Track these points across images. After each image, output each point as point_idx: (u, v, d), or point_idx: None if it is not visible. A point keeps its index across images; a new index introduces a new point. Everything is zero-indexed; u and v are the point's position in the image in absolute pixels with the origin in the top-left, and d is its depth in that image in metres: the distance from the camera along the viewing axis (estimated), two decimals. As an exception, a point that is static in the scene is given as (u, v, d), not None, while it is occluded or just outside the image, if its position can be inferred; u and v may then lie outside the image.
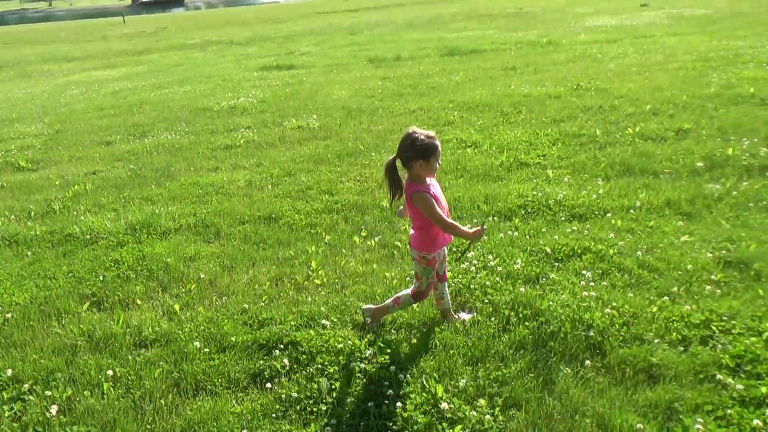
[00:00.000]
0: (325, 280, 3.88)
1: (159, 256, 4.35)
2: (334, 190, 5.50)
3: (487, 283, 3.61)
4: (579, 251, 3.92)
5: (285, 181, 5.88)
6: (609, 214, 4.45)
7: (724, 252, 3.78)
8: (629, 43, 13.25)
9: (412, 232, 3.04)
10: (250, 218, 4.97)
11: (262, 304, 3.62)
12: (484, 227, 2.91)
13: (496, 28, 18.60)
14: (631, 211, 4.50)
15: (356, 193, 5.38)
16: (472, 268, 3.79)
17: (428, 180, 2.89)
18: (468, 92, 9.12)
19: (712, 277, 3.52)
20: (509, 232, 4.28)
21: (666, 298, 3.34)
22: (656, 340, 3.01)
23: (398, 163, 2.91)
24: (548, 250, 3.94)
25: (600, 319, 3.16)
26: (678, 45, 12.27)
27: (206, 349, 3.18)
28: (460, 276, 3.72)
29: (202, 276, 4.02)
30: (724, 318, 3.11)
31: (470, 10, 26.71)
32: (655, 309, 3.23)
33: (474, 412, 2.60)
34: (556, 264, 3.81)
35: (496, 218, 4.59)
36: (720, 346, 2.92)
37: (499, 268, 3.76)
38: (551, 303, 3.32)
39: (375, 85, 10.43)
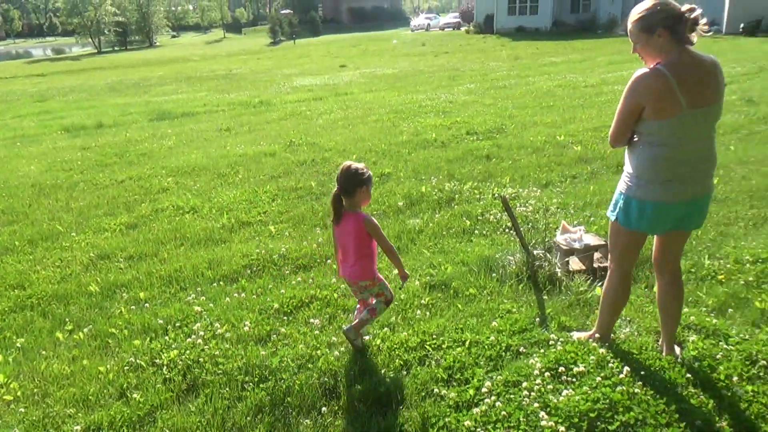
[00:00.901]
0: (19, 393, 3.20)
1: None
2: (27, 282, 4.66)
3: (217, 352, 3.42)
4: (306, 301, 4.01)
5: (-44, 281, 4.77)
6: (329, 260, 4.67)
7: (428, 277, 4.26)
8: (333, 100, 14.51)
9: (348, 266, 3.23)
10: None
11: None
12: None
13: (207, 90, 18.57)
14: (349, 253, 4.80)
15: (56, 281, 4.65)
16: (199, 341, 3.55)
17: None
18: (182, 156, 8.81)
19: (422, 301, 3.93)
20: (236, 295, 4.16)
21: (387, 329, 3.59)
22: (383, 371, 3.20)
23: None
24: (276, 305, 3.94)
25: (332, 363, 3.23)
26: (374, 100, 13.90)
27: None
28: (188, 351, 3.45)
29: None
30: (434, 336, 3.47)
31: (177, 73, 26.22)
32: (379, 341, 3.45)
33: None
34: (286, 318, 3.81)
35: (222, 282, 4.43)
36: (434, 362, 3.24)
37: (228, 334, 3.60)
38: (283, 358, 3.28)
39: (73, 157, 9.33)
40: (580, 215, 5.26)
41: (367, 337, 3.50)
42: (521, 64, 20.97)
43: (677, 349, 3.16)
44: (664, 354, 3.12)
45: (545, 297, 3.88)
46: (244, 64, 30.48)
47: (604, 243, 4.39)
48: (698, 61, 2.58)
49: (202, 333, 3.63)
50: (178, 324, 3.80)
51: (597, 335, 3.27)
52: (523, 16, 39.52)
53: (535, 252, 4.24)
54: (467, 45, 32.94)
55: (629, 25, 2.69)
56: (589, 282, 3.99)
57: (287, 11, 61.40)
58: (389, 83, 17.68)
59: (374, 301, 3.37)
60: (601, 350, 3.18)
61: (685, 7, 2.58)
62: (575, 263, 4.24)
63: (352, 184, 3.11)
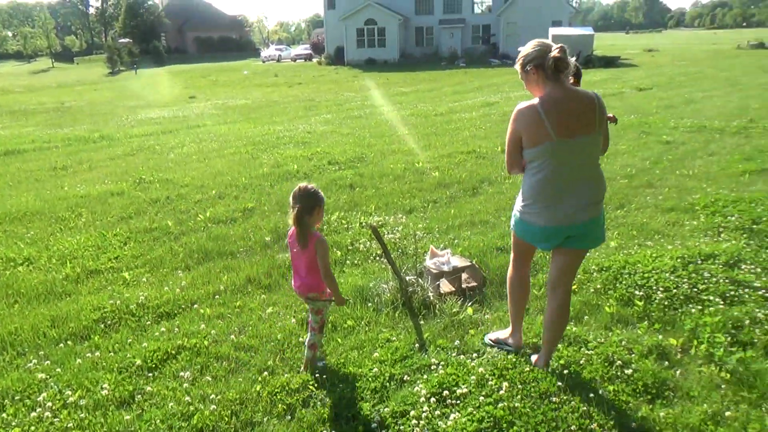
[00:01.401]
0: None
1: None
2: None
3: (71, 424, 2.98)
4: (173, 352, 3.67)
5: None
6: (196, 305, 4.36)
7: (303, 314, 4.13)
8: (185, 133, 13.82)
9: (300, 280, 3.27)
10: None
11: None
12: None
13: (35, 125, 16.72)
14: (217, 296, 4.52)
15: None
16: (47, 413, 3.07)
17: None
18: (9, 200, 7.77)
19: (301, 339, 3.79)
20: (88, 354, 3.69)
21: (266, 373, 3.40)
22: (266, 419, 3.01)
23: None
24: (139, 361, 3.55)
25: (209, 418, 2.98)
26: (229, 132, 13.47)
27: None
28: (33, 428, 2.96)
29: None
30: (317, 374, 3.35)
31: (-1, 107, 23.38)
32: (258, 387, 3.25)
33: None
34: (151, 374, 3.45)
35: (69, 342, 3.91)
36: (319, 402, 3.12)
37: (83, 401, 3.17)
38: (152, 421, 2.96)
39: None
40: (444, 238, 5.47)
41: (321, 364, 3.48)
42: (373, 94, 21.73)
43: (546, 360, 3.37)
44: (538, 365, 3.28)
45: (421, 322, 3.95)
46: (79, 96, 28.03)
47: (470, 263, 4.61)
48: (571, 96, 2.86)
49: (49, 404, 3.15)
50: (18, 397, 3.26)
51: (509, 331, 3.54)
52: (372, 49, 41.16)
53: (407, 278, 4.31)
54: (320, 76, 33.46)
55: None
56: (460, 303, 4.14)
57: (126, 40, 57.83)
58: (244, 114, 17.30)
59: (309, 336, 3.41)
60: (480, 369, 3.29)
61: (554, 48, 2.86)
62: (446, 285, 4.39)
63: (312, 203, 3.17)
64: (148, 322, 4.14)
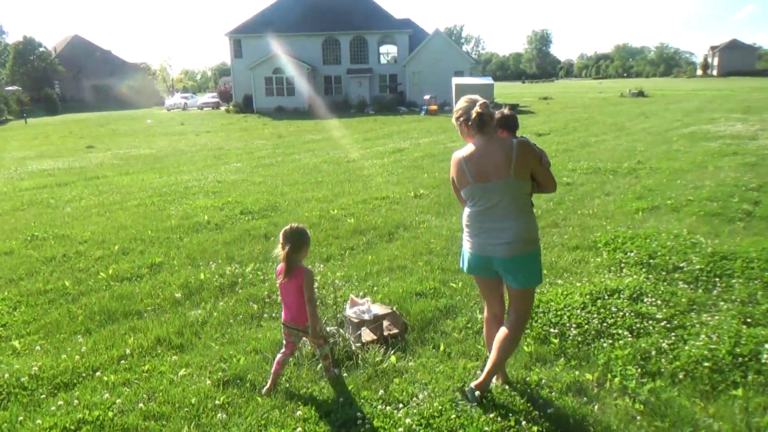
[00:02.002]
0: None
1: None
2: None
3: None
4: (73, 428, 3.32)
5: None
6: (99, 372, 3.99)
7: (221, 373, 3.90)
8: (83, 185, 13.03)
9: (292, 312, 3.63)
10: None
11: None
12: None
13: None
14: (123, 361, 4.17)
15: None
16: None
17: None
18: None
19: (217, 401, 3.56)
20: (-30, 439, 3.26)
21: (180, 443, 3.15)
22: (181, 496, 2.76)
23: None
24: (32, 442, 3.17)
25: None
26: (132, 183, 12.84)
27: None
28: None
29: None
30: (237, 441, 3.14)
31: None
32: (172, 461, 2.99)
33: None
34: (46, 456, 3.09)
35: (-54, 426, 3.43)
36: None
37: (-37, 497, 2.76)
38: None
39: None
40: (363, 285, 5.44)
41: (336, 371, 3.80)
42: (285, 141, 21.66)
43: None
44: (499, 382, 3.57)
45: (345, 374, 3.84)
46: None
47: (391, 310, 4.59)
48: (490, 146, 3.21)
49: None
50: None
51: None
52: (281, 97, 41.30)
53: (328, 329, 4.22)
54: (229, 124, 32.98)
55: None
56: (383, 351, 4.08)
57: (14, 87, 54.34)
58: (148, 164, 16.61)
59: (318, 351, 3.81)
60: (407, 420, 3.23)
61: (477, 104, 3.24)
62: (367, 334, 4.32)
63: (301, 243, 3.55)
64: (43, 396, 3.73)
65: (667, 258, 5.64)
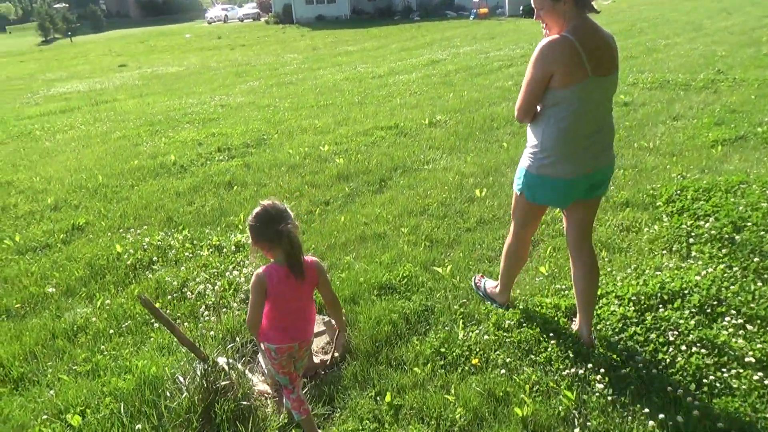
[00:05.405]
0: None
1: None
2: None
3: None
4: None
5: None
6: None
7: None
8: (85, 111, 12.01)
9: (308, 324, 2.53)
10: None
11: None
12: None
13: None
14: None
15: None
16: None
17: None
18: None
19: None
20: None
21: None
22: None
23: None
24: None
25: None
26: (134, 109, 11.67)
27: None
28: None
29: None
30: None
31: None
32: None
33: None
34: None
35: None
36: None
37: None
38: None
39: None
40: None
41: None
42: (317, 54, 19.81)
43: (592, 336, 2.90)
44: (588, 341, 2.86)
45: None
46: (1, 69, 25.51)
47: (324, 320, 3.12)
48: (598, 29, 2.58)
49: None
50: None
51: (498, 288, 3.28)
52: (321, 5, 38.50)
53: (219, 361, 2.79)
54: (266, 36, 31.05)
55: None
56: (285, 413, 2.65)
57: (61, 5, 53.59)
58: (166, 85, 15.44)
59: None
60: None
61: None
62: (259, 382, 2.89)
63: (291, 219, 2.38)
64: None
65: (763, 231, 3.78)
